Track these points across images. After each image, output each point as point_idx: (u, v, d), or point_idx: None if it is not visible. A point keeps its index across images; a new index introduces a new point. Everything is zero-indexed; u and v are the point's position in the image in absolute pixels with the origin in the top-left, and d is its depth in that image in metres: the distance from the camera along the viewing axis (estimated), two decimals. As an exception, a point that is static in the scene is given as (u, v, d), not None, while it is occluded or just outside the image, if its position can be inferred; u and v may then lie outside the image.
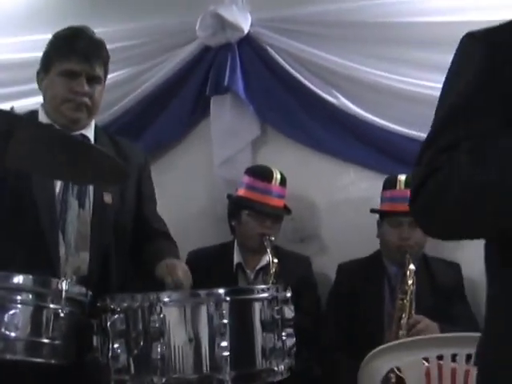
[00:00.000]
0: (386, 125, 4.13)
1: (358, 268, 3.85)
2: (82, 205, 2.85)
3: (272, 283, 3.38)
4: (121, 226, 2.96)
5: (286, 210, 3.89)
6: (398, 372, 3.06)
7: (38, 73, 2.94)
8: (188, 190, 4.38)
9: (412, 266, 3.52)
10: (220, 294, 2.22)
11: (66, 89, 2.82)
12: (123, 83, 4.36)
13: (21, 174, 2.68)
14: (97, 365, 2.32)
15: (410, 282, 3.51)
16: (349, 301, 3.74)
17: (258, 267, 3.82)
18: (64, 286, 2.21)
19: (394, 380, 3.22)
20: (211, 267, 3.70)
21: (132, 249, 3.07)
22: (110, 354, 2.25)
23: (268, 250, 3.55)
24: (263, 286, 2.37)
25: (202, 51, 4.32)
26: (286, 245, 3.97)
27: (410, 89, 4.05)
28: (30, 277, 2.21)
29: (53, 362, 2.22)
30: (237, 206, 3.86)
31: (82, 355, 2.35)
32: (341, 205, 4.29)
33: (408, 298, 3.50)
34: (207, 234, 4.26)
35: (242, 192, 3.85)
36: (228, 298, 2.21)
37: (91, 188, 2.88)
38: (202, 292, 2.25)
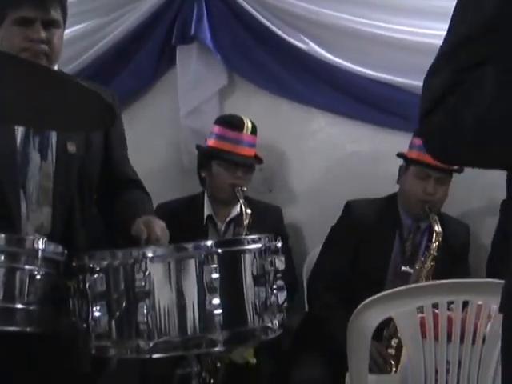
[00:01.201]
0: (356, 69, 4.01)
1: (369, 209, 3.62)
2: (44, 157, 2.67)
3: (246, 235, 3.27)
4: (87, 177, 2.78)
5: (258, 159, 3.76)
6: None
7: None
8: (154, 141, 4.23)
9: (438, 228, 3.38)
10: (209, 247, 2.06)
11: (22, 37, 2.61)
12: (88, 35, 4.15)
13: None
14: (75, 331, 2.15)
15: (434, 245, 3.39)
16: (353, 241, 3.56)
17: (228, 219, 3.68)
18: (40, 244, 2.03)
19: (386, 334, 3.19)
20: (181, 220, 3.55)
21: (101, 199, 2.91)
22: (89, 318, 2.07)
23: (240, 201, 3.43)
24: (254, 237, 2.19)
25: (167, 0, 4.15)
26: (255, 195, 3.85)
27: (381, 33, 3.93)
28: (2, 235, 2.02)
29: (28, 330, 2.05)
30: (207, 156, 3.71)
31: (59, 321, 2.18)
32: (311, 153, 4.19)
33: (429, 263, 3.39)
34: (174, 186, 4.14)
35: (211, 142, 3.70)
36: (219, 251, 2.05)
37: (54, 138, 2.71)
38: (189, 245, 2.07)
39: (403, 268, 3.48)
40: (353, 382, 2.66)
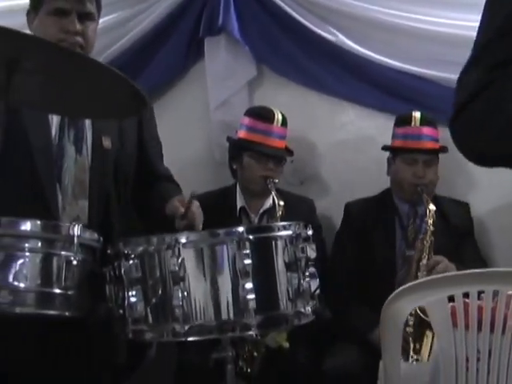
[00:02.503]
0: (385, 61, 4.01)
1: (366, 207, 3.75)
2: (78, 150, 2.71)
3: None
4: (122, 172, 2.82)
5: (288, 151, 3.78)
6: (421, 314, 3.02)
7: (27, 13, 2.78)
8: (184, 135, 4.24)
9: (432, 206, 3.44)
10: (241, 233, 2.08)
11: (57, 28, 2.64)
12: (115, 27, 4.19)
13: (13, 118, 2.55)
14: (111, 316, 2.19)
15: (430, 221, 3.43)
16: (358, 240, 3.66)
17: (261, 211, 3.71)
18: (76, 230, 2.06)
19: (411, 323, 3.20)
20: (214, 212, 3.55)
21: (136, 194, 2.94)
22: (125, 304, 2.11)
23: (273, 193, 3.46)
24: (284, 223, 2.22)
25: (194, -9, 4.16)
26: (286, 187, 3.87)
27: (410, 24, 3.92)
28: (39, 222, 2.06)
29: (66, 314, 2.07)
30: (238, 148, 3.74)
31: (95, 307, 2.22)
32: (340, 145, 4.19)
33: (428, 238, 3.43)
34: (205, 179, 4.15)
35: (242, 134, 3.73)
36: (251, 237, 2.08)
37: (89, 132, 2.75)
38: (222, 231, 2.11)
39: (407, 253, 3.58)
40: (386, 370, 2.67)
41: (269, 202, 3.65)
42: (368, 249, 3.64)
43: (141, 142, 2.93)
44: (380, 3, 3.99)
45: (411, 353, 3.24)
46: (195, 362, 3.21)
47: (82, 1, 2.67)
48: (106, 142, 2.76)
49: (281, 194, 3.55)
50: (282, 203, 3.40)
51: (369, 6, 3.99)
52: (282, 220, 3.37)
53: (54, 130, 2.69)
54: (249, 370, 3.27)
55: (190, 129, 4.29)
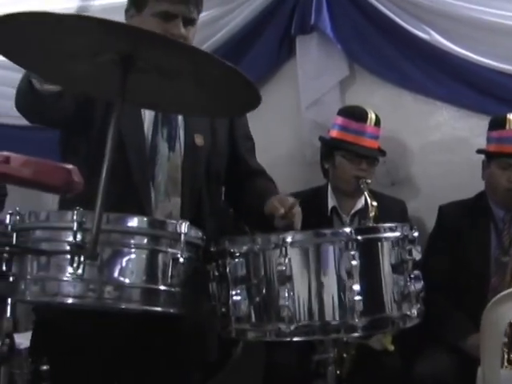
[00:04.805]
0: (481, 61, 3.92)
1: (461, 210, 3.65)
2: (171, 148, 2.71)
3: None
4: (213, 169, 2.80)
5: (381, 151, 3.73)
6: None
7: (126, 10, 2.78)
8: (274, 133, 4.23)
9: None
10: (348, 234, 2.06)
11: (162, 30, 2.59)
12: (206, 25, 4.16)
13: (108, 115, 2.57)
14: (214, 314, 2.19)
15: None
16: (451, 244, 3.57)
17: (352, 211, 3.67)
18: (183, 228, 2.05)
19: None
20: (305, 212, 3.56)
21: (230, 191, 2.95)
22: (229, 302, 2.10)
23: (365, 193, 3.40)
24: (391, 225, 2.18)
25: (287, -11, 4.15)
26: (377, 188, 3.82)
27: (508, 23, 3.84)
28: (145, 218, 2.07)
29: (171, 311, 2.06)
30: (330, 148, 3.70)
31: (198, 305, 2.22)
32: (433, 146, 4.13)
33: None
34: (295, 178, 4.13)
35: (335, 134, 3.69)
36: (359, 238, 2.05)
37: (181, 130, 2.74)
38: (328, 231, 2.10)
39: (502, 259, 3.47)
40: (485, 377, 2.61)
41: (361, 203, 3.61)
42: (461, 253, 3.54)
43: (232, 140, 2.92)
44: (476, 1, 3.91)
45: (505, 363, 3.16)
46: (284, 365, 3.20)
47: (188, 7, 2.67)
48: (198, 140, 2.75)
49: (373, 194, 3.49)
50: (375, 204, 3.34)
51: (463, 3, 3.92)
52: (374, 221, 3.32)
53: (146, 127, 2.70)
54: (338, 372, 3.23)
55: (281, 128, 4.28)
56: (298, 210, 2.56)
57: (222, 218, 2.98)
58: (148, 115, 2.70)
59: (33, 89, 2.27)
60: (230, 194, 2.96)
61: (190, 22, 2.69)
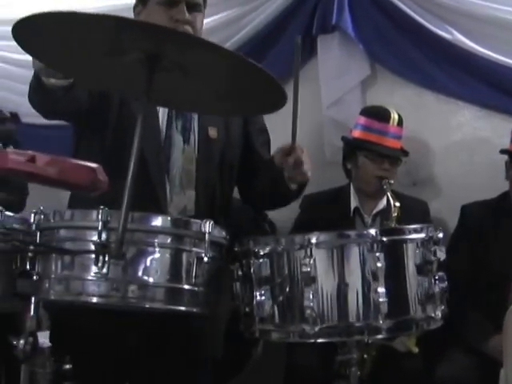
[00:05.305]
0: (504, 60, 3.88)
1: (484, 210, 3.61)
2: (186, 140, 2.70)
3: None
4: (227, 162, 2.79)
5: (404, 151, 3.71)
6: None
7: (134, 7, 2.77)
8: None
9: None
10: (374, 235, 2.06)
11: (167, 17, 2.61)
12: (228, 24, 4.22)
13: (124, 107, 2.57)
14: (237, 314, 2.19)
15: None
16: (474, 244, 3.53)
17: (374, 211, 3.65)
18: (208, 227, 2.04)
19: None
20: (327, 212, 3.56)
21: (243, 183, 2.92)
22: (254, 302, 2.10)
23: (388, 194, 3.38)
24: (415, 226, 2.18)
25: (308, -12, 4.13)
26: (398, 188, 3.80)
27: (530, 22, 3.82)
28: (169, 218, 2.08)
29: (194, 310, 2.07)
30: (353, 148, 3.68)
31: (220, 304, 2.22)
32: (455, 146, 4.09)
33: None
34: (314, 178, 4.07)
35: (357, 133, 3.67)
36: (384, 239, 2.05)
37: (195, 122, 2.73)
38: (352, 232, 2.11)
39: None
40: (508, 379, 2.59)
41: (382, 203, 3.59)
42: (483, 253, 3.50)
43: (246, 133, 2.90)
44: (499, 1, 3.88)
45: None
46: (305, 366, 3.19)
47: None
48: (212, 132, 2.75)
49: (395, 195, 3.48)
50: (397, 204, 3.33)
51: (488, 3, 3.88)
52: (397, 221, 3.31)
53: (161, 120, 2.70)
54: (358, 373, 3.22)
55: (301, 127, 4.16)
56: (305, 154, 2.54)
57: (242, 217, 2.97)
58: (162, 108, 2.69)
59: (42, 84, 2.28)
60: (243, 186, 2.94)
61: (194, 7, 2.68)
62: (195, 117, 2.74)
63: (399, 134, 3.66)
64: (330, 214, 3.55)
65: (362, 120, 3.68)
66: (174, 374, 2.56)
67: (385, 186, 3.40)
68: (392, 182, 3.45)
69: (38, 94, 2.35)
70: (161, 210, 2.54)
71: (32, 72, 2.29)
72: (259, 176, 2.84)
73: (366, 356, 3.19)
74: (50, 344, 2.52)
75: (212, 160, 2.75)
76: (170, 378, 2.57)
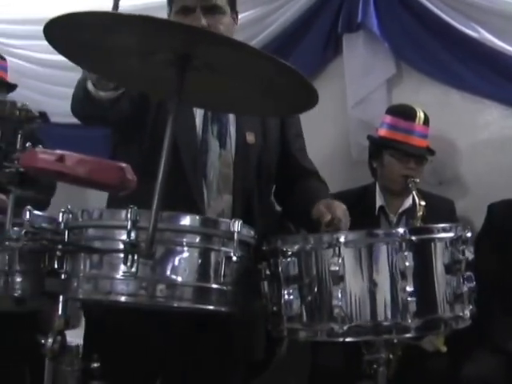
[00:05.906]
0: (530, 59, 3.87)
1: (511, 209, 3.58)
2: (222, 145, 2.71)
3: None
4: (264, 167, 2.79)
5: (430, 150, 3.70)
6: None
7: (168, 14, 2.81)
8: (320, 131, 4.19)
9: None
10: (402, 234, 2.04)
11: None
12: (253, 23, 4.22)
13: (161, 110, 2.56)
14: (263, 313, 2.19)
15: None
16: (501, 243, 3.49)
17: (400, 210, 3.65)
18: (236, 227, 2.04)
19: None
20: (352, 210, 3.53)
21: (279, 189, 2.93)
22: (282, 301, 2.10)
23: (414, 193, 3.38)
24: (445, 225, 2.16)
25: (333, -13, 4.13)
26: (424, 187, 3.79)
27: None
28: (197, 217, 2.06)
29: (223, 309, 2.06)
30: (378, 146, 3.69)
31: (249, 303, 2.20)
32: (482, 145, 4.08)
33: None
34: (340, 177, 4.10)
35: (383, 132, 3.67)
36: (413, 238, 2.04)
37: (232, 127, 2.74)
38: (380, 231, 2.10)
39: None
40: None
41: (408, 202, 3.59)
42: (510, 252, 3.47)
43: (284, 138, 2.90)
44: (525, -2, 3.86)
45: None
46: (330, 367, 3.19)
47: None
48: (250, 137, 2.75)
49: (421, 194, 3.47)
50: (423, 203, 3.32)
51: (513, 1, 3.86)
52: (422, 220, 3.30)
53: (198, 124, 2.70)
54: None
55: (327, 126, 4.26)
56: (344, 214, 2.53)
57: (269, 216, 2.97)
58: (198, 112, 2.71)
59: (90, 97, 2.30)
60: (280, 192, 2.94)
61: (212, 10, 2.68)
62: (231, 122, 2.75)
63: (425, 132, 3.65)
64: (355, 212, 3.51)
65: (388, 119, 3.67)
66: (206, 374, 2.57)
67: (410, 185, 3.40)
68: (418, 180, 3.45)
69: (84, 105, 2.37)
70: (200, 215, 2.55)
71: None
72: (296, 188, 2.86)
73: (391, 356, 3.18)
74: (77, 343, 2.54)
75: (249, 165, 2.75)
76: (202, 379, 2.58)
